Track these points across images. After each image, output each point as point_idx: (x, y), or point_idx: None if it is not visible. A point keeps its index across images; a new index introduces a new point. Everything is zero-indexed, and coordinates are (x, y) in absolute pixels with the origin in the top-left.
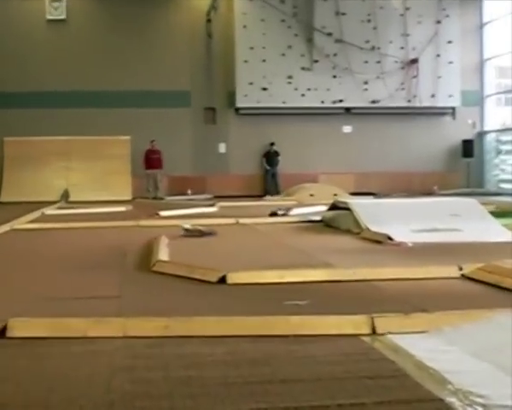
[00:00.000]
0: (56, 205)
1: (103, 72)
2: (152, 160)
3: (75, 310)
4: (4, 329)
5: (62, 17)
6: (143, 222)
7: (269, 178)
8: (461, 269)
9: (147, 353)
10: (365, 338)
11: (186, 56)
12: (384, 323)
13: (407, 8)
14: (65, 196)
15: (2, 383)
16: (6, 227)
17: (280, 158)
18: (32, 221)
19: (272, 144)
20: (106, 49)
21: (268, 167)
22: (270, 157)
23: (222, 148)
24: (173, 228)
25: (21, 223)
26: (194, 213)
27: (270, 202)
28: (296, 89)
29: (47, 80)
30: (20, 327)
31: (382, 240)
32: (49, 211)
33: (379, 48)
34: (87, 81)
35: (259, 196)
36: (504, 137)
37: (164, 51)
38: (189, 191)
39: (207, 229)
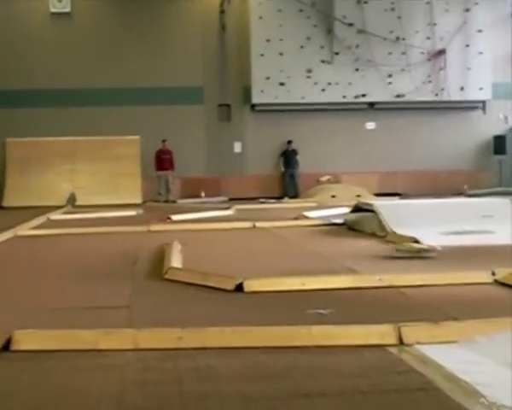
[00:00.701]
0: (62, 210)
1: (110, 68)
2: (163, 160)
3: (83, 321)
4: (9, 342)
5: (67, 10)
6: (154, 227)
7: (287, 179)
8: (494, 274)
9: (159, 366)
10: (392, 349)
11: (198, 50)
12: (412, 332)
13: None
14: (71, 200)
15: (6, 399)
16: (9, 234)
17: (299, 157)
18: (37, 227)
19: (290, 142)
20: (113, 43)
21: (283, 169)
22: (288, 157)
23: (237, 147)
24: (186, 233)
25: (25, 229)
26: (208, 217)
27: (289, 204)
28: (316, 83)
29: (51, 77)
30: (26, 340)
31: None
32: (55, 216)
33: (404, 38)
34: (93, 78)
35: (278, 198)
36: None
37: (175, 45)
38: (203, 194)
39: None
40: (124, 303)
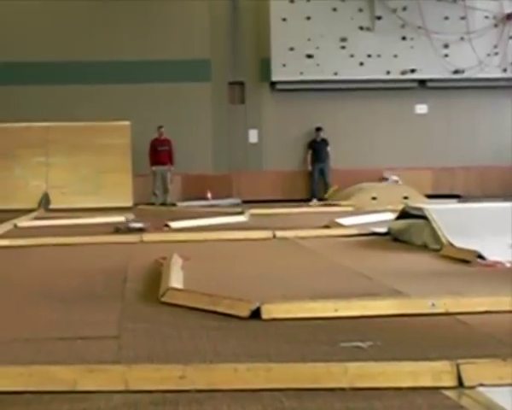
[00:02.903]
0: (33, 214)
1: (95, 36)
2: (159, 153)
3: (60, 355)
4: None
5: None
6: (149, 237)
7: (315, 176)
8: None
9: None
10: (449, 392)
11: (205, 14)
12: (474, 371)
13: None
14: (44, 202)
15: None
16: None
17: (330, 149)
18: (1, 236)
19: (319, 130)
20: (97, 6)
21: (310, 167)
22: (317, 148)
23: (253, 136)
24: (188, 245)
25: None
26: (216, 225)
27: (318, 208)
28: (352, 56)
29: (19, 47)
30: None
31: (470, 259)
32: (24, 222)
33: None
34: (73, 48)
35: (304, 201)
36: None
37: (174, 6)
38: (210, 195)
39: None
40: (111, 333)
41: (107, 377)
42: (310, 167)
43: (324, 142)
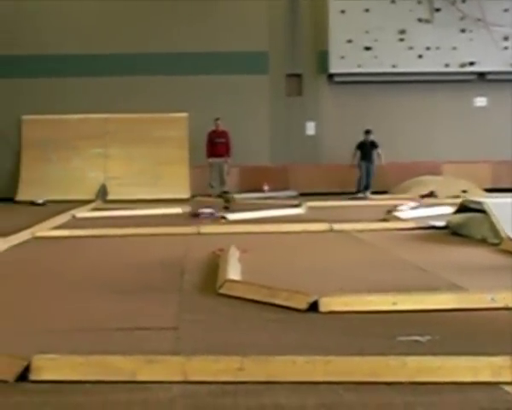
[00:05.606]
0: (91, 205)
1: (151, 28)
2: (216, 145)
3: (119, 345)
4: (27, 369)
5: None
6: (206, 228)
7: (363, 173)
8: None
9: (214, 404)
10: (509, 388)
11: (262, 6)
12: None
13: None
14: (102, 193)
15: None
16: (26, 235)
17: (379, 151)
18: (60, 227)
19: (368, 132)
20: None
21: (357, 165)
22: (365, 150)
23: (310, 128)
24: (245, 237)
25: (45, 229)
26: (273, 217)
27: (376, 201)
28: (411, 48)
29: (78, 40)
30: (48, 367)
31: None
32: (82, 213)
33: None
34: (130, 41)
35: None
36: None
37: (234, 0)
38: (266, 187)
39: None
40: (169, 324)
41: (165, 367)
42: (357, 165)
43: (373, 144)
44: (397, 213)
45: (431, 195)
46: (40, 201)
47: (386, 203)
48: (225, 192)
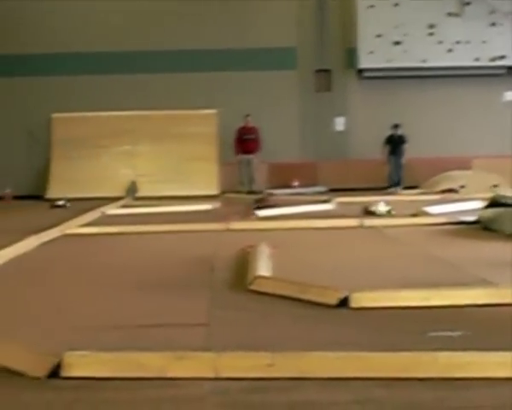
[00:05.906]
0: (120, 202)
1: (179, 25)
2: (246, 141)
3: (149, 342)
4: (58, 366)
5: None
6: (236, 225)
7: (392, 168)
8: None
9: (245, 400)
10: None
11: (292, 2)
12: None
13: None
14: (131, 190)
15: None
16: (56, 232)
17: (407, 146)
18: (89, 224)
19: (396, 127)
20: None
21: (387, 160)
22: (394, 144)
23: (340, 124)
24: (275, 233)
25: (75, 226)
26: (303, 213)
27: (405, 196)
28: (440, 42)
29: (106, 38)
30: (78, 364)
31: None
32: (111, 210)
33: None
34: (157, 38)
35: (384, 189)
36: None
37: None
38: (296, 183)
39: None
40: (200, 320)
41: (196, 364)
42: (386, 160)
43: (401, 139)
44: (427, 209)
45: (451, 190)
46: (60, 203)
47: (415, 199)
48: (255, 192)
